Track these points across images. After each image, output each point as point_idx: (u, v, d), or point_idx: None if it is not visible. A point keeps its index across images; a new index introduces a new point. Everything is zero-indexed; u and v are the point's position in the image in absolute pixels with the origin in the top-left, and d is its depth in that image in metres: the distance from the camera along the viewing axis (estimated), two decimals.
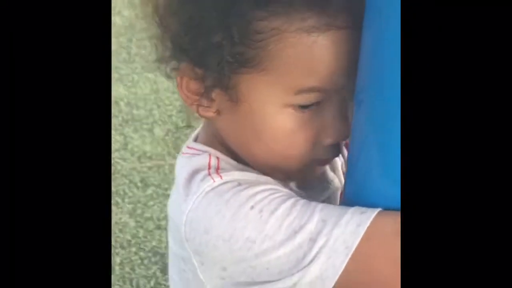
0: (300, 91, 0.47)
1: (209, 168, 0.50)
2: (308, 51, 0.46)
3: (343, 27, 0.45)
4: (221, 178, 0.48)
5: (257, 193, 0.46)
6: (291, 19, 0.45)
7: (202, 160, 0.51)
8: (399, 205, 0.43)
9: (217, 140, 0.54)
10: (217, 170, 0.50)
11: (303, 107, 0.48)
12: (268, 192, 0.46)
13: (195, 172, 0.50)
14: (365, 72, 0.49)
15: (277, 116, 0.48)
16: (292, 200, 0.46)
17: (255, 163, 0.52)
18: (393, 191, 0.45)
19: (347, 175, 0.55)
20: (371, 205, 0.45)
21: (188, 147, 0.55)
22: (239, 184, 0.47)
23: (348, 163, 0.55)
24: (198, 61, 0.48)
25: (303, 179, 0.55)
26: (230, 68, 0.47)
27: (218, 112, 0.51)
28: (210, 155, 0.51)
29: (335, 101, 0.48)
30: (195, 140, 0.56)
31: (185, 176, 0.50)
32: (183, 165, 0.53)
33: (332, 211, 0.44)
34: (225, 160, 0.52)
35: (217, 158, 0.52)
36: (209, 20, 0.46)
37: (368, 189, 0.49)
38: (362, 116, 0.49)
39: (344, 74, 0.47)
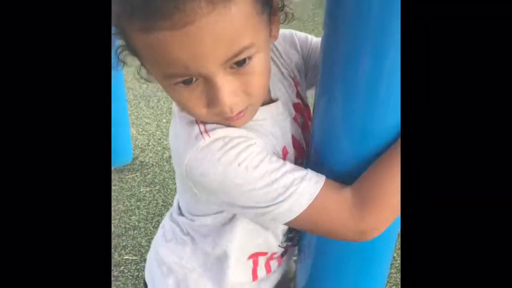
0: (168, 76, 0.56)
1: (199, 130, 0.62)
2: (154, 46, 0.53)
3: (168, 27, 0.51)
4: (209, 136, 0.60)
5: (241, 151, 0.60)
6: (132, 21, 0.52)
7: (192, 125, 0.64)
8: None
9: None
10: (205, 130, 0.62)
11: (185, 83, 0.56)
12: (249, 150, 0.60)
13: (191, 130, 0.62)
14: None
15: (171, 91, 0.59)
16: (268, 157, 0.61)
17: None
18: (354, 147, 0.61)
19: (312, 129, 0.68)
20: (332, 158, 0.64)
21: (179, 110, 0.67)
22: (225, 143, 0.60)
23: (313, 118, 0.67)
24: None
25: (234, 125, 0.64)
26: (129, 51, 0.59)
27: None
28: (197, 122, 0.63)
29: (208, 79, 0.56)
30: None
31: (181, 126, 0.65)
32: (178, 120, 0.66)
33: (298, 170, 0.61)
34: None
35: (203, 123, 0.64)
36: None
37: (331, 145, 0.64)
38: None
39: (193, 60, 0.53)
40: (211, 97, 0.57)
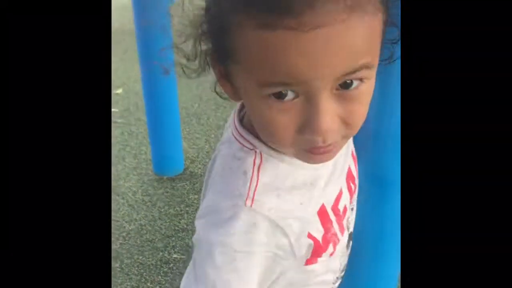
0: (267, 84, 0.48)
1: (251, 174, 0.56)
2: (268, 47, 0.45)
3: (306, 26, 0.43)
4: (251, 206, 0.55)
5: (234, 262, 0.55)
6: (250, 15, 0.45)
7: (246, 159, 0.58)
8: None
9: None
10: (259, 169, 0.57)
11: (279, 97, 0.48)
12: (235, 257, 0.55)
13: (236, 182, 0.57)
14: None
15: (259, 104, 0.50)
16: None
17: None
18: None
19: None
20: None
21: (243, 138, 0.59)
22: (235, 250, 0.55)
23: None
24: (213, 56, 0.56)
25: (308, 162, 0.57)
26: (220, 57, 0.53)
27: (235, 95, 0.56)
28: (255, 152, 0.57)
29: (316, 94, 0.48)
30: (241, 119, 0.62)
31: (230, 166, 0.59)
32: (229, 152, 0.60)
33: None
34: (267, 153, 0.58)
35: (261, 155, 0.57)
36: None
37: None
38: None
39: (310, 69, 0.45)
40: (307, 119, 0.49)
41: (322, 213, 0.61)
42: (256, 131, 0.57)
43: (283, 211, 0.57)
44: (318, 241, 0.61)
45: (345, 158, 0.66)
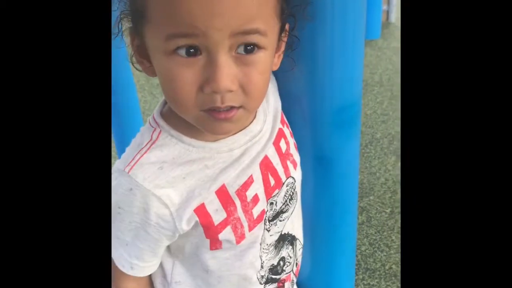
0: (168, 37, 0.52)
1: (143, 146, 0.64)
2: None
3: None
4: (128, 172, 0.62)
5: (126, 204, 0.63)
6: None
7: (146, 134, 0.65)
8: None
9: (172, 111, 0.64)
10: (152, 144, 0.64)
11: (186, 53, 0.53)
12: (128, 217, 0.64)
13: (132, 150, 0.65)
14: None
15: (166, 62, 0.55)
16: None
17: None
18: None
19: None
20: None
21: (153, 118, 0.67)
22: (129, 190, 0.63)
23: None
24: (131, 27, 0.59)
25: (208, 131, 0.63)
26: (135, 21, 0.56)
27: (149, 69, 0.61)
28: (155, 129, 0.65)
29: (216, 51, 0.53)
30: (163, 106, 0.68)
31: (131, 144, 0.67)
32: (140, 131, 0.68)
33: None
34: (167, 131, 0.65)
35: (160, 132, 0.65)
36: None
37: None
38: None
39: (205, 17, 0.51)
40: (208, 75, 0.54)
41: (221, 194, 0.65)
42: (166, 99, 0.63)
43: (162, 181, 0.62)
44: (211, 221, 0.65)
45: (262, 148, 0.69)
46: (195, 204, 0.64)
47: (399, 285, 1.84)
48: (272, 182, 0.70)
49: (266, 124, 0.70)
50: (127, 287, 0.71)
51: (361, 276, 1.89)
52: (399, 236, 2.08)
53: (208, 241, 0.68)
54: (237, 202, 0.67)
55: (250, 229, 0.68)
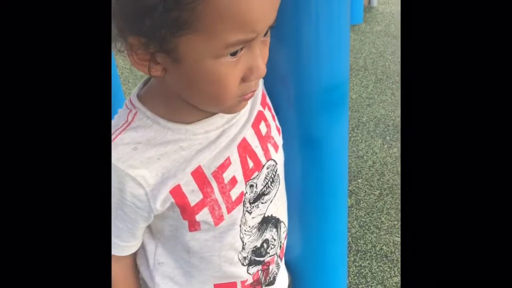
0: (229, 45, 0.54)
1: (118, 128, 0.65)
2: (230, 8, 0.51)
3: None
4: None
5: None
6: None
7: (122, 116, 0.66)
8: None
9: (150, 91, 0.67)
10: (128, 125, 0.65)
11: (233, 54, 0.56)
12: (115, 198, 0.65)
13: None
14: None
15: (214, 67, 0.56)
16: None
17: (198, 106, 0.64)
18: None
19: None
20: None
21: (130, 100, 0.68)
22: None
23: None
24: (140, 31, 0.54)
25: (231, 113, 0.67)
26: (169, 32, 0.53)
27: (164, 71, 0.60)
28: (131, 111, 0.66)
29: (255, 43, 0.57)
30: (140, 89, 0.69)
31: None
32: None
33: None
34: (143, 113, 0.65)
35: (135, 113, 0.65)
36: None
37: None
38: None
39: (263, 21, 0.55)
40: (250, 65, 0.58)
41: (197, 175, 0.66)
42: (191, 98, 0.63)
43: (136, 162, 0.63)
44: (187, 202, 0.66)
45: (239, 130, 0.70)
46: (170, 185, 0.65)
47: (390, 265, 1.87)
48: (251, 164, 0.71)
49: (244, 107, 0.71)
50: None
51: (352, 258, 1.91)
52: (389, 217, 2.10)
53: (186, 222, 0.69)
54: (214, 184, 0.67)
55: (229, 211, 0.69)
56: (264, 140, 0.73)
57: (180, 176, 0.66)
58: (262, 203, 0.74)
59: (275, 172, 0.75)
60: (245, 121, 0.71)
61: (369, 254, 1.93)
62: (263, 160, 0.72)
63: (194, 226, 0.69)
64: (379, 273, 1.84)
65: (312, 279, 0.98)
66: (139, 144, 0.64)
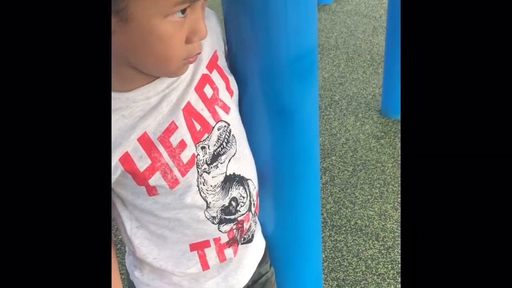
0: (177, 3, 0.57)
1: None
2: None
3: None
4: None
5: None
6: None
7: None
8: None
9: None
10: None
11: (182, 12, 0.59)
12: None
13: None
14: None
15: (162, 25, 0.59)
16: None
17: (143, 69, 0.65)
18: None
19: None
20: None
21: None
22: None
23: None
24: None
25: (175, 75, 0.69)
26: None
27: (111, 32, 0.59)
28: None
29: (198, 4, 0.61)
30: None
31: None
32: None
33: None
34: None
35: None
36: None
37: None
38: None
39: None
40: (193, 28, 0.62)
41: (144, 142, 0.68)
42: (137, 61, 0.64)
43: None
44: (136, 168, 0.68)
45: (181, 94, 0.70)
46: (118, 154, 0.67)
47: (365, 238, 1.91)
48: (198, 127, 0.72)
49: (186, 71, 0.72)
50: None
51: (328, 233, 1.95)
52: (362, 192, 2.14)
53: (143, 188, 0.70)
54: (161, 148, 0.69)
55: (183, 174, 0.71)
56: (210, 102, 0.73)
57: (126, 144, 0.67)
58: (220, 163, 0.75)
59: (229, 133, 0.76)
60: (186, 85, 0.71)
61: (344, 228, 1.96)
62: (211, 122, 0.73)
63: (151, 191, 0.71)
64: (354, 246, 1.88)
65: (288, 249, 0.99)
66: None
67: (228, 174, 0.77)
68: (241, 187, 0.80)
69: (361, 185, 2.18)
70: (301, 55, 0.76)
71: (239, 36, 0.76)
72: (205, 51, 0.74)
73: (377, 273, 1.76)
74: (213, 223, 0.77)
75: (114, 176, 0.68)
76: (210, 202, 0.76)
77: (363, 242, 1.89)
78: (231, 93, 0.78)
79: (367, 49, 3.41)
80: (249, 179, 0.82)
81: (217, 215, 0.77)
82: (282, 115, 0.80)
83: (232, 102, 0.78)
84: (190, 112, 0.71)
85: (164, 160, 0.69)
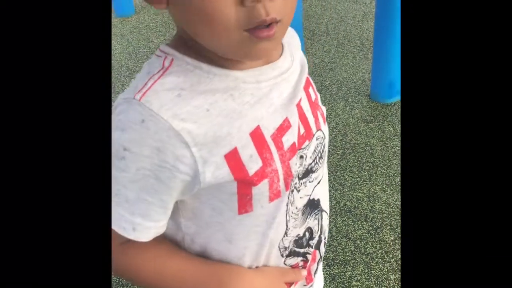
0: None
1: (154, 73, 0.53)
2: None
3: None
4: (139, 100, 0.51)
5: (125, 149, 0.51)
6: None
7: (155, 63, 0.55)
8: None
9: (180, 40, 0.56)
10: (165, 70, 0.54)
11: None
12: (133, 160, 0.51)
13: (146, 74, 0.54)
14: None
15: None
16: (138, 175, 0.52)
17: (203, 42, 0.53)
18: None
19: None
20: None
21: (159, 50, 0.57)
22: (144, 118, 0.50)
23: None
24: None
25: (246, 55, 0.53)
26: None
27: (167, 2, 0.52)
28: (166, 57, 0.55)
29: None
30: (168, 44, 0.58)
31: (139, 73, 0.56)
32: (148, 62, 0.57)
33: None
34: (180, 59, 0.54)
35: (172, 59, 0.54)
36: None
37: None
38: None
39: None
40: None
41: (257, 137, 0.55)
42: (194, 33, 0.53)
43: (182, 111, 0.51)
44: (245, 169, 0.54)
45: (293, 88, 0.60)
46: (224, 147, 0.53)
47: (354, 219, 1.95)
48: (302, 130, 0.60)
49: (294, 64, 0.61)
50: (128, 257, 0.58)
51: None
52: (352, 175, 2.18)
53: (236, 202, 0.56)
54: (273, 149, 0.56)
55: (287, 186, 0.57)
56: (314, 106, 0.64)
57: (236, 136, 0.53)
58: (309, 181, 0.63)
59: (323, 147, 0.65)
60: (296, 80, 0.61)
61: (333, 210, 2.00)
62: (314, 128, 0.62)
63: (245, 206, 0.56)
64: (344, 227, 1.92)
65: None
66: (183, 91, 0.52)
67: (312, 198, 0.64)
68: (317, 219, 0.67)
69: (350, 168, 2.22)
70: None
71: None
72: (299, 56, 0.65)
73: (365, 253, 1.81)
74: (282, 255, 0.63)
75: (210, 178, 0.53)
76: (289, 228, 0.62)
77: (352, 223, 1.94)
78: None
79: (357, 35, 3.44)
80: (325, 210, 0.69)
81: (289, 246, 0.63)
82: None
83: (325, 112, 0.69)
84: (301, 112, 0.60)
85: (275, 165, 0.56)
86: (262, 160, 0.55)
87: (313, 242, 0.67)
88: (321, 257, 0.71)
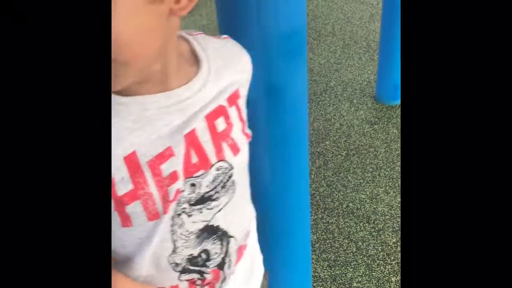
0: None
1: None
2: None
3: None
4: None
5: None
6: None
7: None
8: None
9: None
10: None
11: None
12: None
13: None
14: None
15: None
16: None
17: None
18: None
19: None
20: None
21: None
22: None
23: None
24: None
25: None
26: None
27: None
28: None
29: None
30: None
31: None
32: None
33: None
34: None
35: None
36: None
37: None
38: None
39: None
40: None
41: (130, 162, 0.57)
42: None
43: None
44: (114, 190, 0.57)
45: (189, 119, 0.60)
46: None
47: (356, 221, 1.94)
48: (195, 159, 0.61)
49: (200, 94, 0.61)
50: None
51: (320, 216, 1.98)
52: (355, 176, 2.17)
53: (118, 216, 0.59)
54: (148, 175, 0.58)
55: (165, 210, 0.60)
56: (218, 137, 0.64)
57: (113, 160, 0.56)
58: (207, 209, 0.65)
59: (229, 177, 0.66)
60: (197, 110, 0.61)
61: (336, 211, 2.00)
62: (212, 158, 0.63)
63: (125, 221, 0.60)
64: (346, 228, 1.92)
65: (277, 228, 1.02)
66: None
67: (210, 224, 0.66)
68: (219, 243, 0.69)
69: (353, 169, 2.21)
70: (291, 33, 0.78)
71: (228, 14, 0.78)
72: (230, 82, 0.66)
73: (367, 255, 1.80)
74: (174, 270, 0.66)
75: None
76: (177, 247, 0.64)
77: (354, 225, 1.93)
78: (246, 135, 0.69)
79: (363, 36, 3.43)
80: (232, 237, 0.71)
81: (181, 263, 0.66)
82: (273, 93, 0.83)
83: (244, 144, 0.68)
84: (191, 141, 0.60)
85: (148, 189, 0.58)
86: (133, 183, 0.57)
87: (211, 263, 0.69)
88: (225, 277, 0.73)
